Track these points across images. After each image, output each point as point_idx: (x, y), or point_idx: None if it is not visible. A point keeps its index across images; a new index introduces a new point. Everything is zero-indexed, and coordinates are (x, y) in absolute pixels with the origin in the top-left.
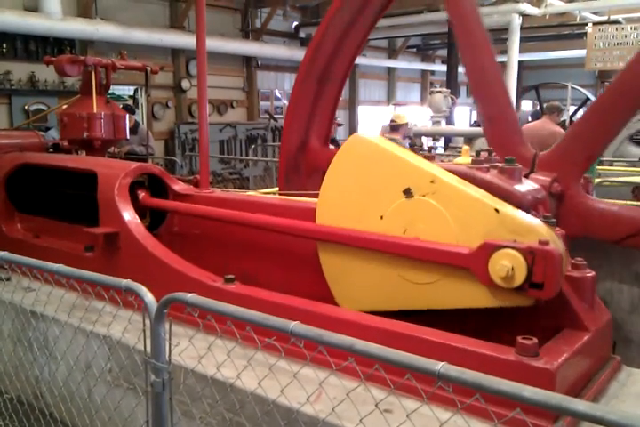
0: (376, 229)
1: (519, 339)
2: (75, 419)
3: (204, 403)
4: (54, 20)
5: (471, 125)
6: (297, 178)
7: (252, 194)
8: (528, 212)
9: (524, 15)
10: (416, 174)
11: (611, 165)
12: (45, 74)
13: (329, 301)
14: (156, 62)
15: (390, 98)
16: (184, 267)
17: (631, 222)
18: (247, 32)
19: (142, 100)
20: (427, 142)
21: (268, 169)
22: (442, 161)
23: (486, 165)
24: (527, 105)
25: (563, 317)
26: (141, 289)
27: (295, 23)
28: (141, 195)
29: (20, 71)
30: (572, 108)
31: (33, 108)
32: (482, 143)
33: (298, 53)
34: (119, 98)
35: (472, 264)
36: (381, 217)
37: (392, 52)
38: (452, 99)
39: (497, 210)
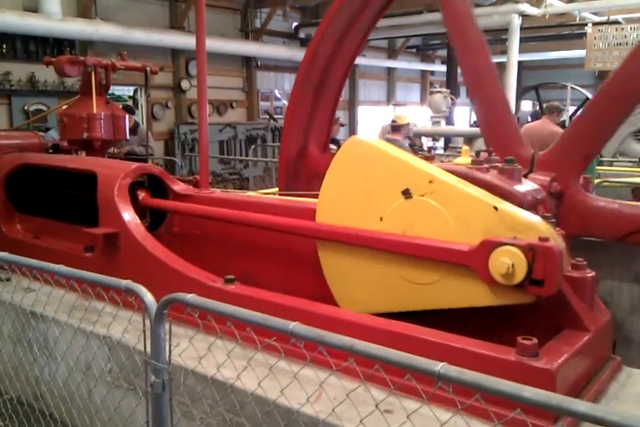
0: (376, 230)
1: (519, 339)
2: (75, 420)
3: (204, 403)
4: (54, 21)
5: (471, 126)
6: (297, 184)
7: (251, 194)
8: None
9: (523, 15)
10: (414, 175)
11: (610, 166)
12: (45, 74)
13: (329, 301)
14: (156, 63)
15: (390, 98)
16: (184, 267)
17: (632, 219)
18: (247, 32)
19: (142, 100)
20: (426, 143)
21: (268, 169)
22: (441, 161)
23: (486, 166)
24: (527, 105)
25: (563, 317)
26: (141, 290)
27: (295, 23)
28: (141, 195)
29: (19, 72)
30: (571, 109)
31: (33, 108)
32: (481, 143)
33: (297, 54)
34: (119, 98)
35: (472, 262)
36: (381, 219)
37: (392, 53)
38: (452, 99)
39: (496, 208)
